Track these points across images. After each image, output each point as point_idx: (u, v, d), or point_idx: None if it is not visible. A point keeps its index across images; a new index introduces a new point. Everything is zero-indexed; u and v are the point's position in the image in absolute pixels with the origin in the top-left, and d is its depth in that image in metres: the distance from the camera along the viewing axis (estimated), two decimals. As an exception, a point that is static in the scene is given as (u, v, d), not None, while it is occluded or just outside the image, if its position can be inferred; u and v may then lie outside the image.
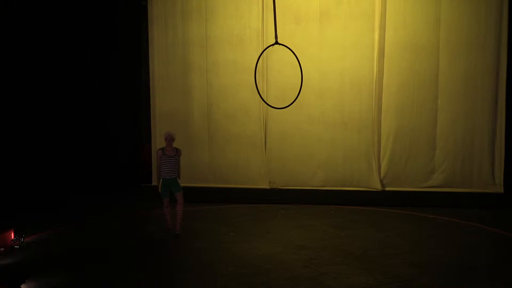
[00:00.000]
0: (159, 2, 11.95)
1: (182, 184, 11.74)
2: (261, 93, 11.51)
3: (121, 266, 6.82)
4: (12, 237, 7.65)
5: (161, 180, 8.15)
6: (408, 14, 10.92)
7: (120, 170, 12.22)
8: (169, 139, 8.17)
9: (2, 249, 7.34)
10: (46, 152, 11.80)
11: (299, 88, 8.47)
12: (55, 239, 8.24)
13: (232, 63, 11.53)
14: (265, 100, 8.88)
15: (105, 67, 12.27)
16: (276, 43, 8.27)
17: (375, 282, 6.01)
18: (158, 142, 12.19)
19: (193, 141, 11.96)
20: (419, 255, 7.08)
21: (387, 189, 11.15)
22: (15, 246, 7.54)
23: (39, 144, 11.73)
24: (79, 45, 12.02)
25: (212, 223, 9.29)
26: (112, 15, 12.22)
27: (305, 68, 11.45)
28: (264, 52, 11.34)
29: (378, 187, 11.10)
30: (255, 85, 8.65)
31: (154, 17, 11.97)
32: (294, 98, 8.56)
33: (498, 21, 10.57)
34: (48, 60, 11.82)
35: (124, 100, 12.48)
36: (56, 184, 11.62)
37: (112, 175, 12.06)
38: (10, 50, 11.37)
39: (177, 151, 8.29)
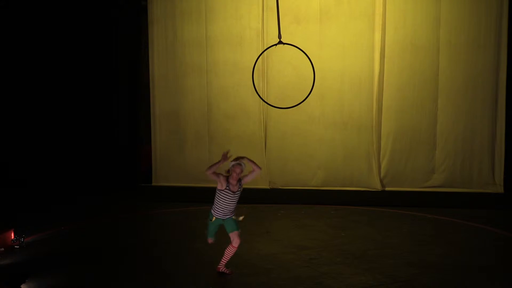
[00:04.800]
0: (159, 2, 11.95)
1: (181, 184, 11.96)
2: (261, 93, 11.60)
3: (121, 266, 6.82)
4: (12, 237, 7.65)
5: (212, 218, 6.31)
6: (408, 14, 10.92)
7: (120, 170, 12.22)
8: (239, 172, 6.21)
9: (2, 249, 7.34)
10: (46, 152, 11.80)
11: (311, 87, 8.16)
12: (55, 239, 8.23)
13: (232, 63, 11.53)
14: (265, 100, 8.64)
15: (105, 67, 12.26)
16: (280, 42, 7.86)
17: (375, 282, 6.01)
18: (158, 142, 12.19)
19: (193, 141, 11.95)
20: (419, 255, 7.08)
21: (387, 189, 11.15)
22: (15, 246, 7.54)
23: (39, 144, 11.73)
24: (79, 45, 12.02)
25: (212, 223, 9.26)
26: (112, 15, 12.21)
27: (305, 68, 11.47)
28: (264, 52, 11.41)
29: (378, 187, 11.10)
30: (253, 86, 8.42)
31: (154, 18, 11.97)
32: (305, 97, 8.09)
33: (498, 21, 10.57)
34: (48, 61, 11.82)
35: (124, 100, 12.47)
36: (56, 184, 11.62)
37: (112, 175, 12.06)
38: (10, 50, 11.38)
39: (241, 184, 6.36)
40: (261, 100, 11.51)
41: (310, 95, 11.34)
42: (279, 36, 7.89)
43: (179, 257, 7.21)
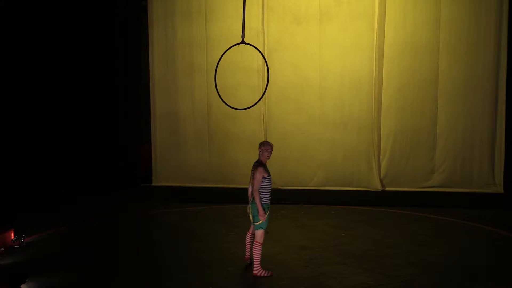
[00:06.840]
0: (159, 2, 11.97)
1: (180, 185, 11.98)
2: (261, 93, 11.61)
3: (121, 266, 6.81)
4: (12, 237, 7.65)
5: (268, 207, 6.53)
6: (408, 15, 10.93)
7: (120, 170, 12.21)
8: (271, 152, 6.37)
9: (2, 249, 7.34)
10: (46, 152, 11.79)
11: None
12: (55, 239, 8.23)
13: (232, 63, 11.52)
14: (224, 100, 8.67)
15: (105, 67, 12.26)
16: (243, 42, 8.07)
17: (375, 282, 6.01)
18: (158, 142, 12.20)
19: (193, 141, 11.96)
20: (419, 255, 7.07)
21: (387, 189, 11.17)
22: (15, 246, 7.54)
23: (39, 144, 11.72)
24: (79, 46, 12.01)
25: (212, 223, 9.28)
26: (112, 15, 12.21)
27: (305, 68, 11.55)
28: (264, 52, 11.43)
29: (378, 187, 11.11)
30: (215, 86, 8.41)
31: (154, 17, 11.99)
32: (259, 98, 8.40)
33: (498, 21, 10.59)
34: (48, 60, 11.81)
35: (124, 100, 12.47)
36: (56, 184, 11.61)
37: (112, 175, 12.05)
38: (10, 49, 11.37)
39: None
40: (262, 100, 11.56)
41: (309, 96, 11.53)
42: (242, 36, 8.05)
43: (179, 257, 7.21)
